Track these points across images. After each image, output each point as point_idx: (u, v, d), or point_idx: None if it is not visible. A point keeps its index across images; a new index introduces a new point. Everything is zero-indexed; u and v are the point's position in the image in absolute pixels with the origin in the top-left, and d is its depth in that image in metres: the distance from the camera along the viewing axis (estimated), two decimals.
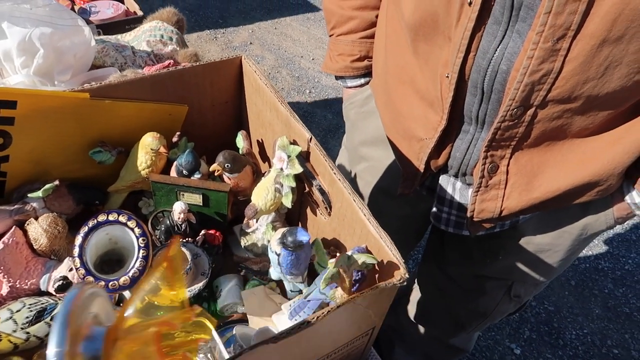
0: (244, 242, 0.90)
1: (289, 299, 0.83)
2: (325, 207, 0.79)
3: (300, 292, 0.82)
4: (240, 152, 0.91)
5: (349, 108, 1.17)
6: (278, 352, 0.60)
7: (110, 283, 0.68)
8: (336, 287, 0.65)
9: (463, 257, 1.10)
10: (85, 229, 0.72)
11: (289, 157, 0.79)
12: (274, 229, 0.87)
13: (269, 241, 0.88)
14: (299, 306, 0.70)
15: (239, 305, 0.82)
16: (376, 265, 0.68)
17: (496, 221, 0.88)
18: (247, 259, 0.88)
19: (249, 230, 0.90)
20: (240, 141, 0.91)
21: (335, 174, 0.73)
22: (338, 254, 0.74)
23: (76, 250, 0.71)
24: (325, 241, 0.80)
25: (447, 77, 0.76)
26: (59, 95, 0.79)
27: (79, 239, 0.72)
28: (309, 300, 0.69)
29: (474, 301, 1.16)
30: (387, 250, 0.65)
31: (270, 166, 0.96)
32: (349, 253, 0.63)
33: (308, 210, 0.87)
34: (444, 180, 0.94)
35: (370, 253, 0.68)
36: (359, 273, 0.66)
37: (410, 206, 1.10)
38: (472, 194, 0.86)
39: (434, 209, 0.98)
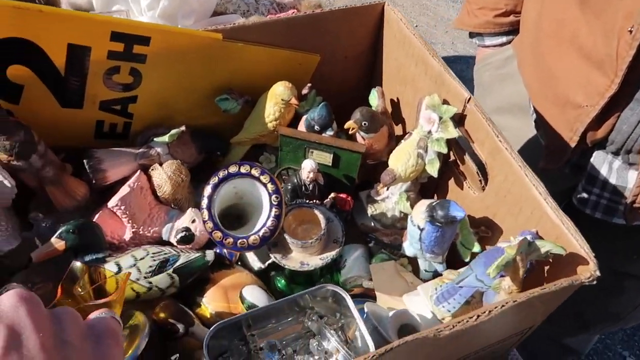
0: (372, 210, 0.81)
1: (422, 279, 0.73)
2: (480, 180, 0.68)
3: (436, 273, 0.72)
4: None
5: (484, 70, 1.04)
6: (433, 345, 0.51)
7: (239, 241, 0.62)
8: (503, 276, 0.55)
9: (604, 249, 0.96)
10: (215, 179, 0.66)
11: (440, 118, 0.68)
12: (408, 199, 0.77)
13: (401, 212, 0.79)
14: (448, 292, 0.61)
15: (365, 280, 0.73)
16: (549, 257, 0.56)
17: None
18: (375, 229, 0.79)
19: (378, 198, 0.81)
20: (375, 99, 0.82)
21: (501, 141, 0.62)
22: (498, 237, 0.64)
23: (204, 202, 0.65)
24: (472, 220, 0.69)
25: (630, 31, 0.62)
26: (192, 33, 0.73)
27: (207, 190, 0.66)
28: (461, 287, 0.59)
29: (607, 301, 1.01)
30: (570, 239, 0.53)
31: (404, 129, 0.86)
32: (528, 238, 0.52)
33: (450, 182, 0.76)
34: (599, 158, 0.80)
35: (542, 239, 0.56)
36: (529, 263, 0.55)
37: (550, 183, 0.97)
38: (637, 176, 0.74)
39: (581, 190, 0.84)
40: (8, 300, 0.30)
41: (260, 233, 0.62)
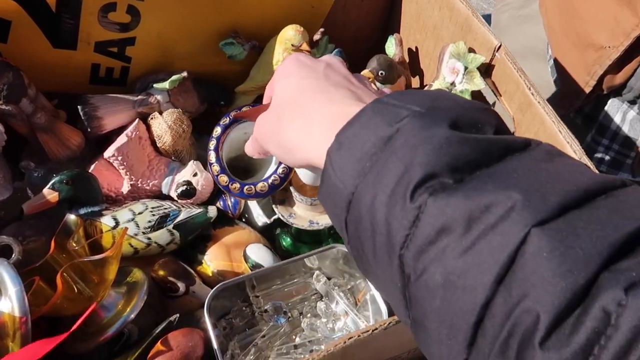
0: None
1: None
2: None
3: None
4: None
5: (502, 10, 0.98)
6: None
7: (246, 187, 0.57)
8: None
9: None
10: (225, 120, 0.60)
11: (465, 68, 0.62)
12: None
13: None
14: None
15: None
16: None
17: None
18: None
19: None
20: (393, 47, 0.75)
21: (533, 94, 0.56)
22: None
23: (212, 143, 0.59)
24: None
25: None
26: None
27: (217, 131, 0.60)
28: None
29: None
30: None
31: (422, 82, 0.80)
32: None
33: None
34: (614, 106, 0.76)
35: None
36: None
37: None
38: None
39: (589, 140, 0.81)
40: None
41: (270, 180, 0.57)
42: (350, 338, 0.40)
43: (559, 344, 0.21)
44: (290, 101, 0.36)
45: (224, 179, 0.55)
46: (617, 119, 0.77)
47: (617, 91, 0.75)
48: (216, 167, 0.56)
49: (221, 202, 0.70)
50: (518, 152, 0.26)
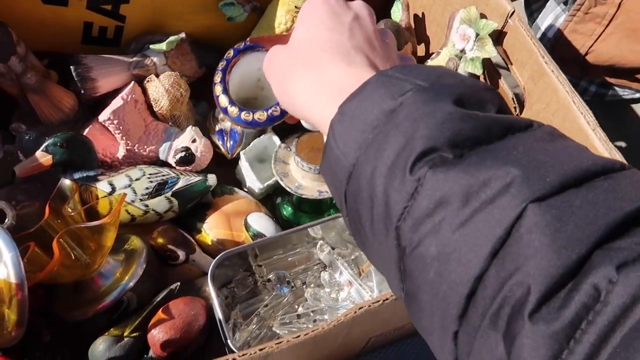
0: None
1: None
2: (515, 107, 0.61)
3: None
4: None
5: None
6: None
7: (244, 113, 0.53)
8: None
9: None
10: (240, 45, 0.56)
11: (477, 35, 0.60)
12: None
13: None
14: None
15: None
16: None
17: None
18: None
19: None
20: (399, 12, 0.73)
21: (547, 63, 0.55)
22: None
23: (222, 64, 0.54)
24: None
25: None
26: None
27: (229, 53, 0.55)
28: None
29: None
30: None
31: (428, 50, 0.77)
32: None
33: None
34: (549, 8, 0.81)
35: None
36: None
37: None
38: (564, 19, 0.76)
39: None
40: None
41: (269, 110, 0.52)
42: (360, 308, 0.40)
43: (548, 317, 0.21)
44: (307, 51, 0.36)
45: (223, 100, 0.52)
46: (550, 18, 0.81)
47: None
48: (219, 88, 0.52)
49: (220, 140, 0.68)
50: (520, 131, 0.26)
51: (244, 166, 0.69)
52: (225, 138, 0.69)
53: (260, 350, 0.37)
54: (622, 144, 0.85)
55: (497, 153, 0.25)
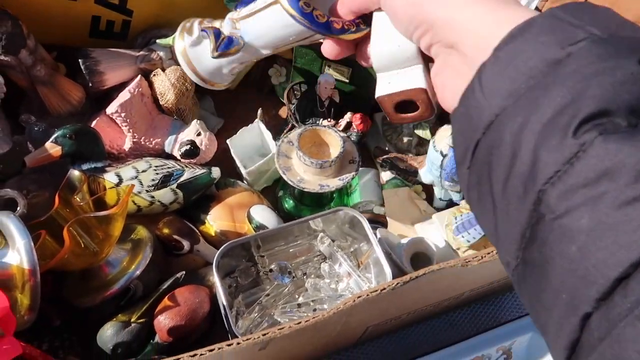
0: (387, 133, 0.76)
1: (435, 208, 0.71)
2: None
3: (450, 202, 0.69)
4: None
5: None
6: (455, 276, 0.49)
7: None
8: None
9: None
10: None
11: None
12: (428, 124, 0.73)
13: (419, 137, 0.74)
14: (470, 222, 0.58)
15: (375, 205, 0.70)
16: None
17: None
18: (387, 152, 0.75)
19: None
20: None
21: None
22: None
23: None
24: None
25: None
26: None
27: None
28: None
29: None
30: None
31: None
32: None
33: None
34: None
35: None
36: None
37: None
38: None
39: None
40: None
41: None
42: (359, 297, 0.41)
43: None
44: None
45: None
46: None
47: None
48: None
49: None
50: None
51: (233, 154, 0.70)
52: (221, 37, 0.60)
53: (264, 335, 0.39)
54: None
55: None
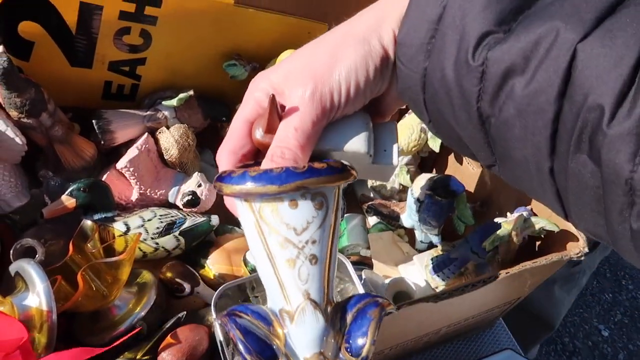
0: (371, 182, 0.83)
1: (417, 250, 0.77)
2: None
3: (431, 244, 0.75)
4: None
5: None
6: (429, 311, 0.54)
7: None
8: (497, 249, 0.58)
9: None
10: None
11: None
12: (408, 172, 0.80)
13: (400, 184, 0.81)
14: (444, 262, 0.64)
15: (362, 248, 0.76)
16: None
17: None
18: (372, 199, 0.82)
19: None
20: None
21: None
22: (505, 214, 0.66)
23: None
24: (469, 195, 0.72)
25: None
26: None
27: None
28: (455, 258, 0.62)
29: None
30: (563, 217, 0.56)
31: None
32: (524, 215, 0.55)
33: (450, 157, 0.79)
34: None
35: (537, 216, 0.59)
36: (523, 238, 0.58)
37: None
38: None
39: None
40: None
41: None
42: None
43: (622, 122, 0.25)
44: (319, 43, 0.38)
45: None
46: None
47: None
48: None
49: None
50: None
51: None
52: None
53: None
54: None
55: (538, 14, 0.28)
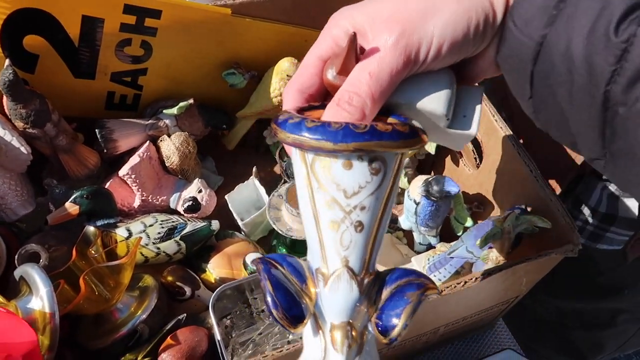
0: None
1: (416, 252, 0.77)
2: (475, 158, 0.71)
3: (429, 246, 0.76)
4: None
5: None
6: (424, 310, 0.55)
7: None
8: (491, 247, 0.58)
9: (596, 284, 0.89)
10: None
11: None
12: (405, 175, 0.80)
13: (400, 188, 0.82)
14: (440, 262, 0.64)
15: None
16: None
17: None
18: None
19: None
20: None
21: (496, 121, 0.65)
22: (496, 211, 0.67)
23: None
24: (466, 196, 0.72)
25: None
26: (201, 8, 0.75)
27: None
28: (452, 258, 0.63)
29: (601, 334, 0.99)
30: (557, 214, 0.57)
31: None
32: (516, 212, 0.56)
33: (447, 159, 0.79)
34: (592, 182, 0.76)
35: (530, 214, 0.60)
36: (517, 236, 0.59)
37: None
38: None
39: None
40: None
41: None
42: None
43: None
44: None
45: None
46: (595, 195, 0.77)
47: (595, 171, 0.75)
48: None
49: None
50: None
51: (231, 208, 0.79)
52: None
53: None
54: None
55: None
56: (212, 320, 0.57)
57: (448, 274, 0.63)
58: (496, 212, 0.69)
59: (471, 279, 0.51)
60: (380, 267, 0.75)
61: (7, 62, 0.67)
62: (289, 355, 0.47)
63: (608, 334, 0.98)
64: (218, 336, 0.56)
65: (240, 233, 0.79)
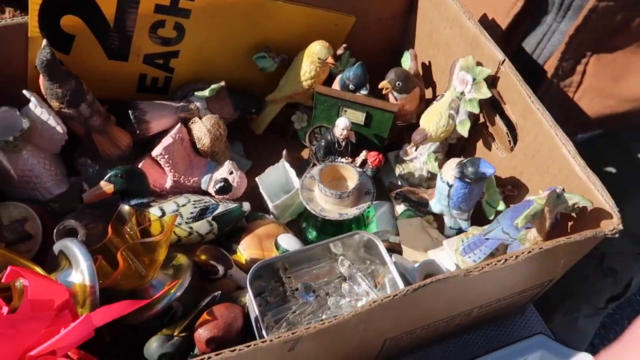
0: (399, 170, 0.84)
1: (446, 236, 0.77)
2: (509, 141, 0.70)
3: (460, 230, 0.75)
4: None
5: None
6: (462, 285, 0.54)
7: None
8: (529, 228, 0.58)
9: None
10: None
11: (474, 79, 0.70)
12: (436, 159, 0.80)
13: (428, 172, 0.82)
14: (475, 243, 0.64)
15: (391, 235, 0.77)
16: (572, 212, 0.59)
17: None
18: (400, 187, 0.82)
19: (406, 158, 0.84)
20: (408, 61, 0.83)
21: (533, 102, 0.64)
22: (527, 194, 0.66)
23: None
24: (498, 180, 0.72)
25: None
26: None
27: None
28: (487, 239, 0.62)
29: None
30: (597, 195, 0.56)
31: (435, 93, 0.88)
32: (557, 190, 0.55)
33: (478, 143, 0.79)
34: None
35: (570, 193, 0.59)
36: (555, 217, 0.58)
37: None
38: None
39: None
40: None
41: None
42: (374, 302, 0.48)
43: None
44: None
45: None
46: None
47: None
48: None
49: None
50: None
51: (261, 190, 0.79)
52: None
53: (292, 333, 0.46)
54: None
55: None
56: (250, 295, 0.57)
57: (483, 255, 0.63)
58: (530, 195, 0.68)
59: (511, 256, 0.51)
60: (411, 251, 0.75)
61: (44, 42, 0.68)
62: (331, 329, 0.47)
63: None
64: (257, 311, 0.57)
65: (270, 215, 0.79)
